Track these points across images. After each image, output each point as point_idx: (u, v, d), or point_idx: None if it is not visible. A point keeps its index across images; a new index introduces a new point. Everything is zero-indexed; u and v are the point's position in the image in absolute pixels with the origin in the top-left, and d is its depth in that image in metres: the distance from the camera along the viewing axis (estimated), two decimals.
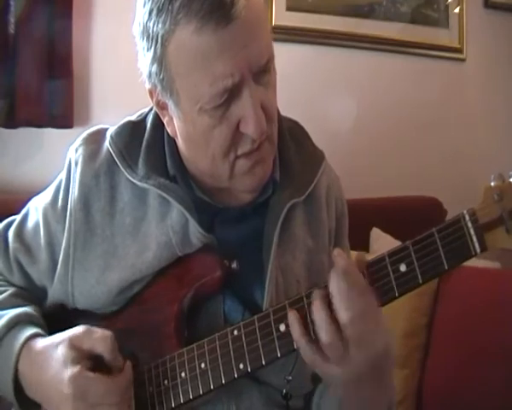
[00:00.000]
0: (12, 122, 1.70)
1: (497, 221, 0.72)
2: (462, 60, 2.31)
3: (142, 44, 0.84)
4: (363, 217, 1.90)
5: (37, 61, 1.69)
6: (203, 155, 0.88)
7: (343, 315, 0.72)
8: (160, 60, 0.82)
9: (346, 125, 2.02)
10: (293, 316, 0.77)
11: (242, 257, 0.91)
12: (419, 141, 2.26)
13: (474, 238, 0.72)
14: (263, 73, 0.83)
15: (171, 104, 0.86)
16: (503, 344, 1.55)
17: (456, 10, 2.27)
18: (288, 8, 2.05)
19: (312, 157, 1.03)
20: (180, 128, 0.89)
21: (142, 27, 0.82)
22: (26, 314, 0.93)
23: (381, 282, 0.76)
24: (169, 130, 0.91)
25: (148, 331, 0.91)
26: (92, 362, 0.84)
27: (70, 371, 0.81)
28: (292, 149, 1.01)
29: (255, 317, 0.82)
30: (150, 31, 0.81)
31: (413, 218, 1.91)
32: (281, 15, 2.04)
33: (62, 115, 1.75)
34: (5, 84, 1.67)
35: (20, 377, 0.88)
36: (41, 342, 0.88)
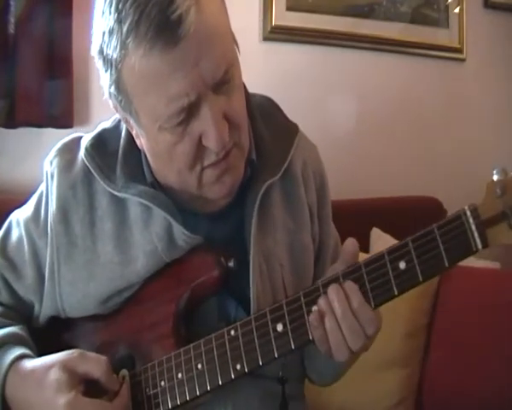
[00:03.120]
0: (12, 122, 1.70)
1: (499, 217, 0.69)
2: (462, 60, 2.31)
3: (100, 65, 0.82)
4: (363, 217, 1.91)
5: (37, 61, 1.69)
6: (169, 169, 0.87)
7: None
8: (117, 83, 0.81)
9: (345, 125, 2.02)
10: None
11: (231, 251, 0.90)
12: (419, 141, 2.25)
13: (476, 234, 0.70)
14: (222, 83, 0.80)
15: (133, 122, 0.86)
16: (503, 344, 1.55)
17: (456, 10, 2.27)
18: (288, 8, 2.05)
19: (285, 132, 1.00)
20: (145, 144, 0.88)
21: (98, 48, 0.81)
22: (13, 335, 0.91)
23: (380, 280, 0.76)
24: (137, 143, 0.91)
25: (146, 331, 0.91)
26: (86, 386, 0.82)
27: (66, 398, 0.80)
28: (263, 126, 0.98)
29: (252, 316, 0.82)
30: (104, 53, 0.79)
31: (413, 218, 1.88)
32: (281, 15, 2.04)
33: (62, 115, 1.74)
34: (5, 84, 1.66)
35: (7, 398, 0.85)
36: (30, 363, 0.86)
